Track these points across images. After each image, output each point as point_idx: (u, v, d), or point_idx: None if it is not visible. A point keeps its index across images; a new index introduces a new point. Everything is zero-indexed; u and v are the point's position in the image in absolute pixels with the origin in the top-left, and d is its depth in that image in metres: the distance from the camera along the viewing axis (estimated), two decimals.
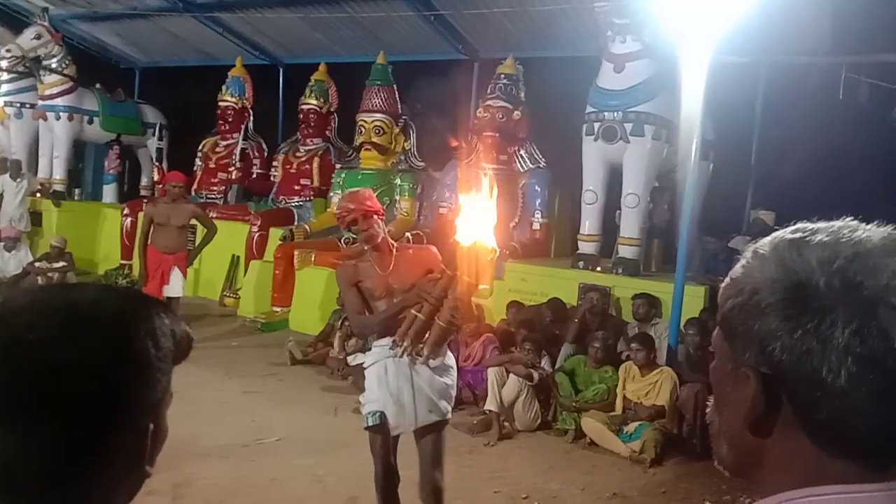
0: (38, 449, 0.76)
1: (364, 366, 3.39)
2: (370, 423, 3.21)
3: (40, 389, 0.76)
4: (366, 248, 3.32)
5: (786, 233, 0.72)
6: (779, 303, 0.67)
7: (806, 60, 7.87)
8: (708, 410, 0.80)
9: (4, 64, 10.97)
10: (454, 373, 3.34)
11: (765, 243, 0.73)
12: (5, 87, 11.24)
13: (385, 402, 3.19)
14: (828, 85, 7.52)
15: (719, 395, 0.76)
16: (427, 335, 3.04)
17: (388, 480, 3.24)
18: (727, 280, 0.75)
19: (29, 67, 10.95)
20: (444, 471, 3.27)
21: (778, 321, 0.67)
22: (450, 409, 3.28)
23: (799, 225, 0.72)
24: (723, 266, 6.65)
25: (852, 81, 7.45)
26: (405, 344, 3.05)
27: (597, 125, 6.96)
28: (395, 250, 3.31)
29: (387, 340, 3.20)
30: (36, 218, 10.68)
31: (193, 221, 7.36)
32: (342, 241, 8.54)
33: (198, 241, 7.96)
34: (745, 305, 0.70)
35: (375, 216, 3.29)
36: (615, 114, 6.86)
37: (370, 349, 3.36)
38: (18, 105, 11.29)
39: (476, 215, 2.91)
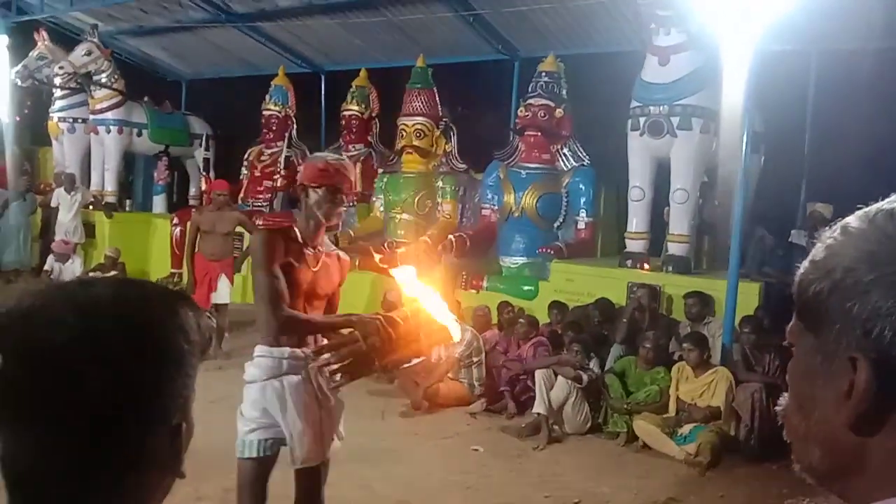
0: (67, 453, 0.73)
1: (247, 379, 2.70)
2: (260, 454, 2.63)
3: (64, 391, 0.71)
4: (304, 226, 2.75)
5: (881, 205, 0.65)
6: (883, 278, 0.60)
7: (858, 47, 7.57)
8: (781, 411, 0.71)
9: (58, 80, 11.32)
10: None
11: (854, 219, 0.65)
12: (59, 104, 11.59)
13: (294, 428, 2.60)
14: (882, 71, 7.22)
15: (805, 393, 0.67)
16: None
17: None
18: (806, 265, 0.67)
19: (80, 83, 11.27)
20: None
21: (883, 298, 0.60)
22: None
23: (893, 196, 0.65)
24: (780, 261, 6.42)
25: None
26: (325, 361, 2.47)
27: (642, 120, 6.81)
28: (322, 248, 2.82)
29: (289, 352, 2.64)
30: (89, 229, 10.95)
31: (239, 229, 7.44)
32: (386, 244, 8.53)
33: (245, 248, 8.06)
34: (837, 286, 0.63)
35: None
36: (661, 107, 6.70)
37: (259, 357, 2.68)
38: (71, 120, 11.62)
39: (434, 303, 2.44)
